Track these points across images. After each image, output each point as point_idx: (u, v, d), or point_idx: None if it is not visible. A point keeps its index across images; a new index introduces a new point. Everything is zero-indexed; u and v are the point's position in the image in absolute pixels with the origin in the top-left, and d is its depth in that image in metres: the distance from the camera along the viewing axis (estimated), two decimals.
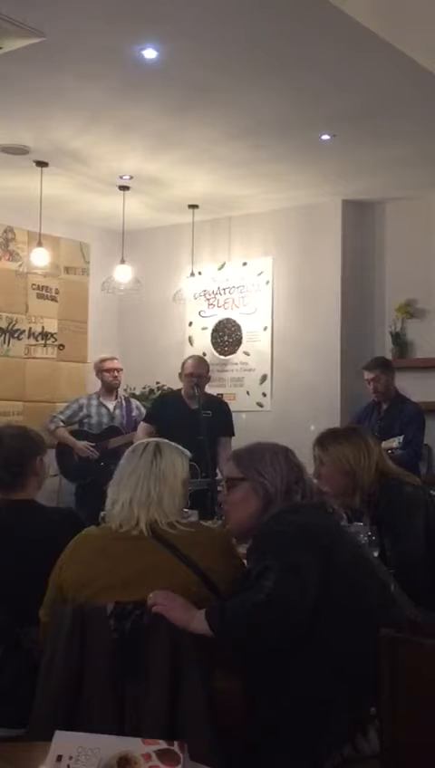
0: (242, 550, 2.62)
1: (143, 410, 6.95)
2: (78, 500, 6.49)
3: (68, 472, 6.67)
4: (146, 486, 2.50)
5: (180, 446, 2.67)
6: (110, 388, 6.85)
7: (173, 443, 2.67)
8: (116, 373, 6.84)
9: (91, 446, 6.56)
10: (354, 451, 3.27)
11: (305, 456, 2.87)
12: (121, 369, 6.89)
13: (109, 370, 6.82)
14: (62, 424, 6.71)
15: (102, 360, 6.91)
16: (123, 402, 6.89)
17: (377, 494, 3.28)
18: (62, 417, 6.76)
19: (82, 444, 6.60)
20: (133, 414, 6.85)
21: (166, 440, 2.67)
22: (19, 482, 2.95)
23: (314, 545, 2.33)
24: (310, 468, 3.07)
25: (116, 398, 6.89)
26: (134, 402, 7.00)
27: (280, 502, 2.49)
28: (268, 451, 2.59)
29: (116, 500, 2.52)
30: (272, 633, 2.22)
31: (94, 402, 6.82)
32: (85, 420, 6.76)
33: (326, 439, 3.34)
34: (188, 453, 2.69)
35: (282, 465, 2.55)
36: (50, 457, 6.59)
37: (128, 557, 2.43)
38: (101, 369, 6.87)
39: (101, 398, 6.83)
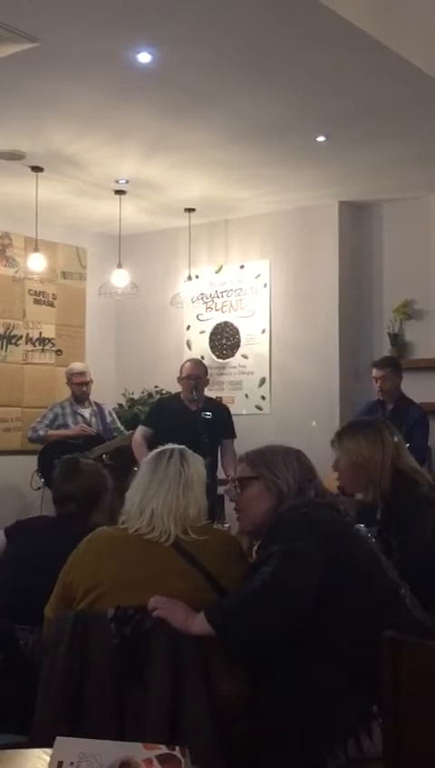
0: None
1: (115, 416, 6.95)
2: None
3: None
4: (175, 495, 2.51)
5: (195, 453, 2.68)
6: (79, 400, 6.78)
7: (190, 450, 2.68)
8: (84, 387, 6.76)
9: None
10: (369, 444, 3.23)
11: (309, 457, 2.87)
12: (90, 382, 6.79)
13: (78, 384, 6.76)
14: (48, 430, 6.65)
15: (71, 373, 6.84)
16: (96, 409, 6.82)
17: (391, 490, 3.25)
18: (44, 422, 6.67)
19: (77, 427, 6.52)
20: (107, 420, 6.81)
21: (184, 447, 2.67)
22: None
23: (321, 537, 2.33)
24: (325, 465, 3.10)
25: (89, 404, 6.81)
26: (107, 408, 6.95)
27: (293, 499, 2.50)
28: (280, 451, 2.61)
29: (143, 507, 2.51)
30: (269, 620, 2.21)
31: (69, 411, 6.73)
32: (62, 429, 6.67)
33: (344, 432, 3.34)
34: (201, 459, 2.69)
35: (294, 465, 2.57)
36: (32, 468, 6.56)
37: (139, 560, 2.44)
38: (70, 380, 6.82)
39: (74, 407, 6.75)
